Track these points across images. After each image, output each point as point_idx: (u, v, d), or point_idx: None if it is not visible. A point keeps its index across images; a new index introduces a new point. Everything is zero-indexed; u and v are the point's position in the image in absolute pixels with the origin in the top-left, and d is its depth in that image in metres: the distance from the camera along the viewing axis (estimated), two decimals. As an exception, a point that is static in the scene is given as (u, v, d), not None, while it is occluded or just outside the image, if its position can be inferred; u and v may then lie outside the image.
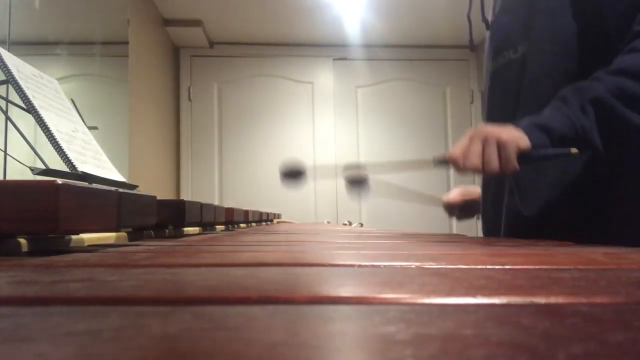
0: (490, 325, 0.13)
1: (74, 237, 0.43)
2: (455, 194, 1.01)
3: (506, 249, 0.42)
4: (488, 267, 0.27)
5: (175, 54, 3.24)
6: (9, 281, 0.22)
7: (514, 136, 0.61)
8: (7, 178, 0.95)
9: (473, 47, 0.93)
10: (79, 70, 1.86)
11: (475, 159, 0.62)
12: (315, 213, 3.28)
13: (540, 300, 0.17)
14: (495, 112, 0.83)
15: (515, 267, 0.27)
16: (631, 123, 0.60)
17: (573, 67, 0.69)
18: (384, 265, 0.28)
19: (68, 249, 0.41)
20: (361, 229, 1.59)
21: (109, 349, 0.11)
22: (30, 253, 0.36)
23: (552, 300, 0.17)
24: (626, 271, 0.26)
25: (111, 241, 0.51)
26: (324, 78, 3.36)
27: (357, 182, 0.82)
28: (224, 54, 3.32)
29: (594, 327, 0.13)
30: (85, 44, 1.89)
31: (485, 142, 0.63)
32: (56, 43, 1.67)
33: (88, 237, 0.46)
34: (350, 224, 3.13)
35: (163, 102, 2.95)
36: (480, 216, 0.93)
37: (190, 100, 3.28)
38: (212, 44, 3.30)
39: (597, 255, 0.35)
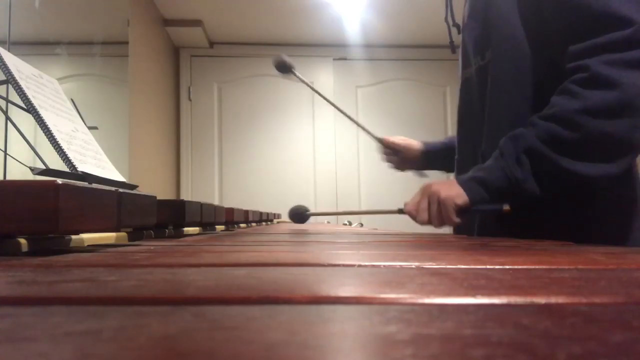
0: (490, 325, 0.13)
1: (74, 237, 0.43)
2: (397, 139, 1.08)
3: (506, 249, 0.42)
4: (488, 267, 0.27)
5: (175, 54, 3.25)
6: (9, 281, 0.22)
7: (452, 195, 0.69)
8: (7, 178, 0.95)
9: (454, 49, 0.94)
10: (79, 70, 1.86)
11: (424, 215, 0.73)
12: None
13: (540, 300, 0.17)
14: (466, 120, 0.84)
15: (515, 267, 0.27)
16: (562, 167, 0.63)
17: (534, 68, 0.71)
18: (384, 265, 0.28)
19: (68, 249, 0.41)
20: (361, 229, 1.59)
21: (109, 349, 0.11)
22: (30, 253, 0.36)
23: (552, 300, 0.17)
24: (626, 271, 0.26)
25: (111, 241, 0.51)
26: (324, 78, 3.36)
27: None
28: (224, 54, 3.32)
29: (594, 327, 0.13)
30: (85, 44, 1.89)
31: (430, 200, 0.72)
32: (56, 43, 1.67)
33: (88, 237, 0.46)
34: (350, 224, 3.13)
35: (163, 102, 2.95)
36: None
37: (190, 100, 3.28)
38: (212, 44, 3.30)
39: (597, 255, 0.35)
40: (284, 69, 1.06)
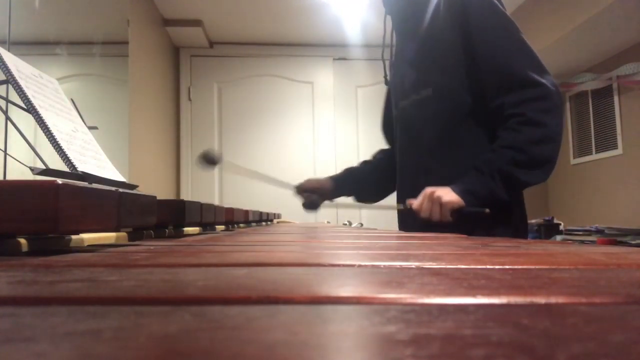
0: (490, 325, 0.13)
1: (74, 237, 0.43)
2: (307, 183, 1.31)
3: (506, 249, 0.42)
4: (488, 267, 0.27)
5: (175, 54, 3.25)
6: (9, 281, 0.22)
7: (451, 201, 0.96)
8: (7, 178, 0.95)
9: (387, 81, 1.25)
10: (79, 70, 1.86)
11: (426, 214, 0.99)
12: (315, 213, 3.27)
13: (540, 300, 0.17)
14: (406, 136, 1.13)
15: (515, 267, 0.27)
16: (520, 179, 0.94)
17: (471, 107, 1.01)
18: (384, 265, 0.28)
19: (68, 249, 0.41)
20: (361, 229, 1.59)
21: (109, 349, 0.11)
22: (30, 253, 0.36)
23: (552, 300, 0.17)
24: (626, 271, 0.26)
25: (111, 241, 0.51)
26: (324, 78, 3.36)
27: (209, 160, 1.07)
28: (224, 54, 3.32)
29: (594, 327, 0.13)
30: (85, 44, 1.89)
31: (433, 203, 0.97)
32: (56, 43, 1.67)
33: (88, 237, 0.46)
34: (350, 224, 3.13)
35: (163, 102, 2.95)
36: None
37: (190, 100, 3.28)
38: (212, 44, 3.30)
39: (597, 255, 0.35)
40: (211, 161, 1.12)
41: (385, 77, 1.25)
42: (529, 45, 0.97)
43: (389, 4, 1.18)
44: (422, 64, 1.07)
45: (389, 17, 1.21)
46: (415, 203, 1.02)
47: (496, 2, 0.99)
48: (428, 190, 0.99)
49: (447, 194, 0.96)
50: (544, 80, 0.94)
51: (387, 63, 1.24)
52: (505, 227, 1.01)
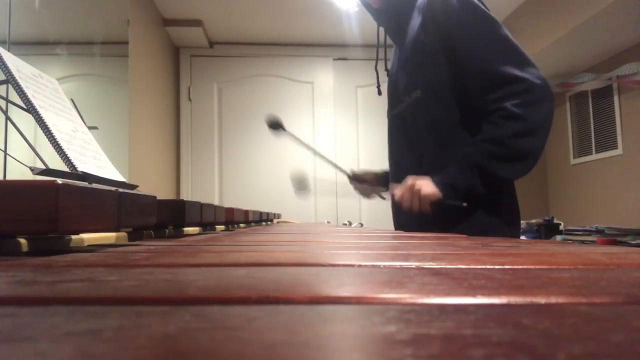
0: (490, 325, 0.13)
1: (74, 237, 0.43)
2: (362, 173, 1.39)
3: (506, 249, 0.42)
4: (488, 267, 0.27)
5: (175, 54, 3.25)
6: (9, 281, 0.22)
7: (430, 193, 1.00)
8: (7, 178, 0.95)
9: (380, 92, 1.32)
10: (79, 70, 1.86)
11: (407, 204, 1.04)
12: (315, 213, 3.27)
13: (540, 300, 0.17)
14: (401, 140, 1.16)
15: (515, 267, 0.27)
16: (496, 174, 0.96)
17: (457, 107, 1.04)
18: (384, 265, 0.28)
19: (68, 249, 0.41)
20: (361, 229, 1.59)
21: (109, 349, 0.11)
22: (30, 253, 0.36)
23: (552, 300, 0.17)
24: (626, 271, 0.26)
25: (111, 241, 0.51)
26: (324, 78, 3.36)
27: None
28: (223, 54, 3.32)
29: (594, 327, 0.13)
30: (85, 44, 1.89)
31: (413, 194, 1.02)
32: (56, 43, 1.67)
33: (88, 237, 0.46)
34: (350, 224, 3.13)
35: (163, 102, 2.95)
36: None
37: (190, 100, 3.28)
38: (212, 44, 3.30)
39: (597, 255, 0.35)
40: (276, 127, 1.25)
41: (378, 87, 1.30)
42: (512, 40, 0.97)
43: (379, 17, 1.23)
44: (412, 67, 1.10)
45: (381, 29, 1.27)
46: (397, 194, 1.06)
47: (476, 1, 1.00)
48: (410, 181, 1.03)
49: (427, 186, 1.00)
50: (525, 75, 0.94)
51: (384, 72, 1.27)
52: (486, 215, 1.02)
